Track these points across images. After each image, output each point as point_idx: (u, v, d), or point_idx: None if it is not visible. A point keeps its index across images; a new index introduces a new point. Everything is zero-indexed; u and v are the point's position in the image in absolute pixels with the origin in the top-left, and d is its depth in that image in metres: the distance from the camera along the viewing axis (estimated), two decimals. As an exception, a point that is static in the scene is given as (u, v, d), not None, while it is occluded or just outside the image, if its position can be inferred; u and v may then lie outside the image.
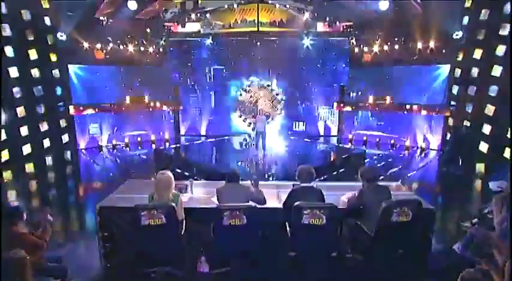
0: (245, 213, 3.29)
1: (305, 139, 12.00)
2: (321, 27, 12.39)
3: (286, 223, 3.52)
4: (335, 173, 7.76)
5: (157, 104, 12.85)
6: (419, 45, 11.03)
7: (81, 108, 11.26)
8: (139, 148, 11.84)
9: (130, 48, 11.92)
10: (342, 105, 13.17)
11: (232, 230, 3.30)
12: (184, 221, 3.62)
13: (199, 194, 4.33)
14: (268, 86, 13.43)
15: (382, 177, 7.41)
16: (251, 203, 3.59)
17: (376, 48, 11.99)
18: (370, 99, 12.53)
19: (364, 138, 12.21)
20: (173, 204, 3.45)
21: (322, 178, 6.85)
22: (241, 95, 13.56)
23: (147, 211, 3.27)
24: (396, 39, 11.46)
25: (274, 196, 4.23)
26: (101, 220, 3.87)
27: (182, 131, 13.52)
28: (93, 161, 9.93)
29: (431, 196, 6.66)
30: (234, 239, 3.37)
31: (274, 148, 10.29)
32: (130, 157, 10.53)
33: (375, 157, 10.26)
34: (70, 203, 6.81)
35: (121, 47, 11.69)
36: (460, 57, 10.62)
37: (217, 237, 3.41)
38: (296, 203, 3.21)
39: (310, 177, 3.51)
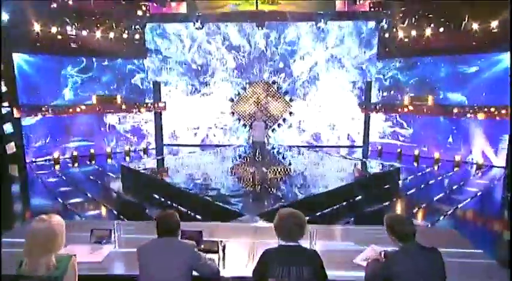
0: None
1: (320, 151, 11.12)
2: (340, 6, 11.49)
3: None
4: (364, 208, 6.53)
5: (134, 106, 12.20)
6: (475, 26, 9.60)
7: (29, 110, 10.39)
8: (114, 160, 11.03)
9: (98, 34, 11.03)
10: (368, 107, 12.26)
11: None
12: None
13: (129, 246, 2.99)
14: (273, 83, 12.59)
15: (423, 205, 6.59)
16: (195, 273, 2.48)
17: (414, 33, 10.79)
18: (406, 99, 11.50)
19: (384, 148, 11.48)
20: (55, 275, 2.23)
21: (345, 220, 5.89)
22: (238, 94, 12.76)
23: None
24: (442, 19, 10.17)
25: (245, 253, 3.01)
26: None
27: (166, 139, 12.96)
28: (41, 180, 9.02)
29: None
30: None
31: (279, 163, 9.46)
32: (90, 173, 9.42)
33: (410, 177, 9.02)
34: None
35: (84, 32, 10.83)
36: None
37: None
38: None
39: (297, 231, 2.38)
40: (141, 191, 7.41)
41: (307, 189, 6.85)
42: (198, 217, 5.81)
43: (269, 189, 6.90)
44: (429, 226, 5.74)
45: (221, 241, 2.93)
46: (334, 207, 6.34)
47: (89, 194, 7.53)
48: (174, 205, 6.42)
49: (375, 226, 3.24)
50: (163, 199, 6.86)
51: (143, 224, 3.78)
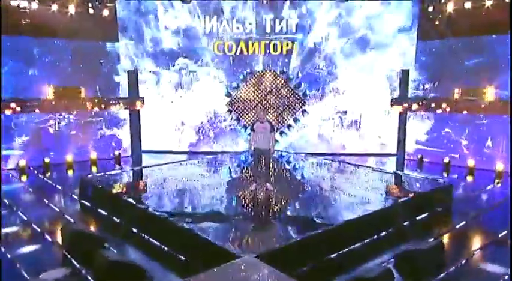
0: None
1: (342, 161, 10.35)
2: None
3: None
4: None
5: (102, 102, 11.33)
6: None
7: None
8: (77, 171, 10.30)
9: (54, 7, 10.22)
10: (405, 104, 11.37)
11: None
12: None
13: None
14: (282, 73, 11.84)
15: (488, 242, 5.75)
16: None
17: (468, 4, 9.95)
18: (456, 93, 10.64)
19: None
20: None
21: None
22: (237, 87, 11.95)
23: None
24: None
25: None
26: None
27: (146, 144, 12.22)
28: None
29: None
30: None
31: (289, 178, 9.23)
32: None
33: (466, 196, 8.30)
34: None
35: (35, 4, 10.03)
36: None
37: None
38: None
39: None
40: (103, 217, 6.85)
41: (327, 214, 6.26)
42: (181, 257, 5.23)
43: (275, 214, 6.48)
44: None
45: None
46: (365, 241, 5.64)
47: (30, 221, 6.59)
48: (146, 237, 5.84)
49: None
50: (134, 230, 6.13)
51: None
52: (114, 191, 7.37)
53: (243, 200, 7.24)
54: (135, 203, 6.51)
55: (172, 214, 5.91)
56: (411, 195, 7.19)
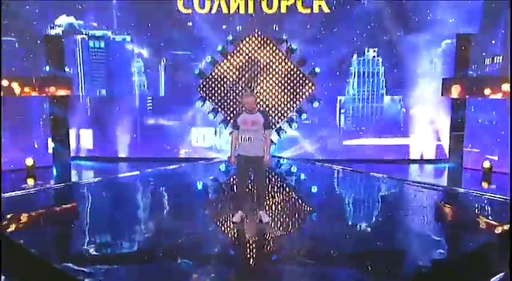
0: None
1: (367, 171, 9.96)
2: None
3: None
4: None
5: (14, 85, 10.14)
6: None
7: None
8: None
9: None
10: (463, 85, 10.35)
11: None
12: None
13: None
14: (281, 41, 10.87)
15: None
16: None
17: None
18: None
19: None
20: None
21: None
22: (212, 61, 10.71)
23: None
24: None
25: None
26: None
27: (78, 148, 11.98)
28: None
29: None
30: None
31: (292, 199, 8.47)
32: None
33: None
34: None
35: None
36: None
37: None
38: None
39: None
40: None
41: (355, 262, 5.21)
42: None
43: (276, 268, 5.48)
44: None
45: None
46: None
47: None
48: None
49: None
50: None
51: None
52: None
53: (224, 235, 6.28)
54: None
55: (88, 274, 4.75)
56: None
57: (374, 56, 11.71)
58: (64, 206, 7.70)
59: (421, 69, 11.28)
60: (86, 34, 11.90)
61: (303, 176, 9.74)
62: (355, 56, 11.72)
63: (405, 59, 11.26)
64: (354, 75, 11.91)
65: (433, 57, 11.20)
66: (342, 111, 12.09)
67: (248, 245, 5.80)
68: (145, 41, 11.76)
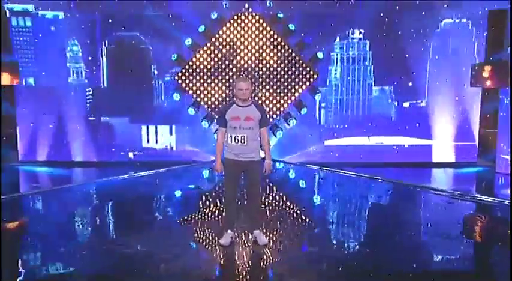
0: None
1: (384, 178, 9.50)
2: None
3: None
4: None
5: None
6: None
7: None
8: None
9: None
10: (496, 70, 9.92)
11: None
12: None
13: None
14: (278, 16, 10.51)
15: None
16: None
17: None
18: None
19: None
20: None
21: None
22: (191, 44, 10.29)
23: None
24: None
25: None
26: None
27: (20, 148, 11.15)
28: None
29: None
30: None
31: (294, 214, 8.01)
32: None
33: None
34: None
35: None
36: None
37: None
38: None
39: None
40: None
41: None
42: None
43: None
44: None
45: None
46: None
47: None
48: None
49: None
50: None
51: None
52: None
53: (201, 273, 5.39)
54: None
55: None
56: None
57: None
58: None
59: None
60: (7, 9, 10.59)
61: (309, 187, 9.51)
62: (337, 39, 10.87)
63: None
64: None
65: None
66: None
67: (241, 276, 5.11)
68: (85, 19, 10.55)
